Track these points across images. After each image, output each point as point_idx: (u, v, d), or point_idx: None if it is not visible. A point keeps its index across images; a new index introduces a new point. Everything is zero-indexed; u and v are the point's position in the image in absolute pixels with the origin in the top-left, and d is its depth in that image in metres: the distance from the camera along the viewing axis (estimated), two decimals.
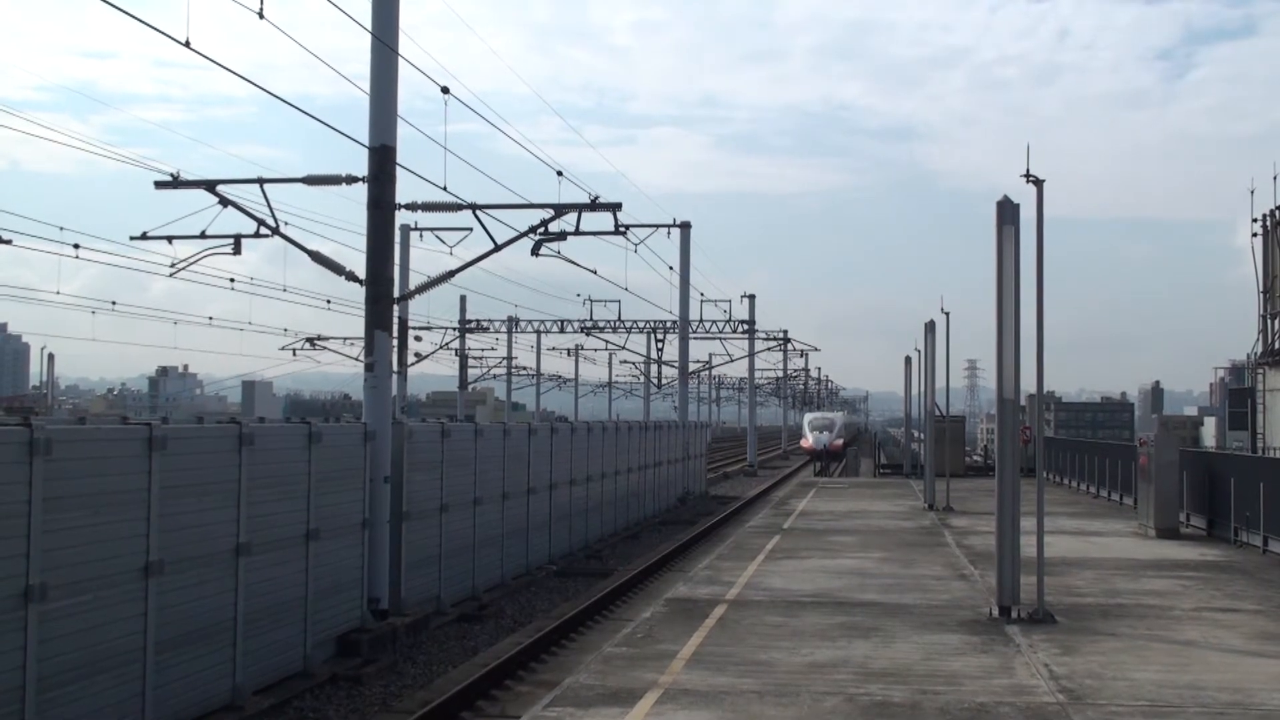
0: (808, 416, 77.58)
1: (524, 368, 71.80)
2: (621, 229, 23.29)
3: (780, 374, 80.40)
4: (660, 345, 56.09)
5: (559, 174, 21.44)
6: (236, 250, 20.77)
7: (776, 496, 34.25)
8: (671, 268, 44.38)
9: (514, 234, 20.61)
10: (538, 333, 62.55)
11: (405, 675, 14.63)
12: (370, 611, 15.76)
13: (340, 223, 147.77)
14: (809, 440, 69.42)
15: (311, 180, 19.20)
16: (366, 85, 16.99)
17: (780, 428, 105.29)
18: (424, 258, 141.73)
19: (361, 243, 17.41)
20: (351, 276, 17.78)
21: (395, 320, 19.74)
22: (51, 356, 66.20)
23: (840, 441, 69.02)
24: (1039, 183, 12.36)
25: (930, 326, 27.24)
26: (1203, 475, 21.42)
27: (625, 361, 72.65)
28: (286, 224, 19.37)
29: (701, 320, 53.71)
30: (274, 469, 13.33)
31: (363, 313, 17.47)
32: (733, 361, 63.30)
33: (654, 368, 61.38)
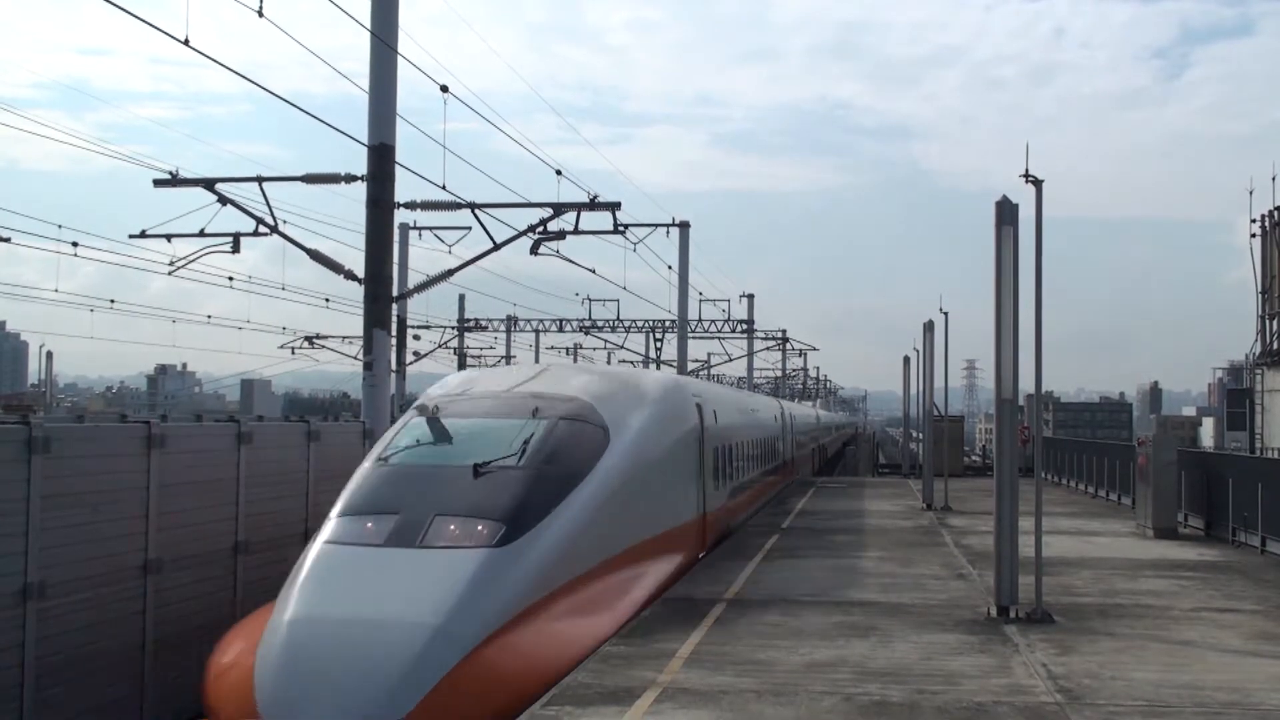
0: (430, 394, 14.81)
1: None
2: (620, 228, 23.30)
3: (779, 373, 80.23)
4: (659, 345, 56.03)
5: (558, 173, 21.43)
6: (235, 248, 20.79)
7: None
8: (670, 267, 44.31)
9: (513, 233, 20.63)
10: (536, 332, 62.44)
11: None
12: None
13: (339, 221, 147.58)
14: None
15: (311, 179, 19.23)
16: (364, 83, 17.00)
17: None
18: (423, 257, 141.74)
19: (360, 241, 17.45)
20: (350, 275, 17.80)
21: (394, 319, 19.73)
22: (50, 354, 66.04)
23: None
24: (1038, 183, 12.33)
25: (929, 326, 27.25)
26: (1201, 475, 21.42)
27: (624, 361, 72.59)
28: (285, 222, 19.43)
29: (700, 320, 53.64)
30: (273, 467, 13.35)
31: (361, 311, 17.50)
32: (731, 361, 63.20)
33: (653, 367, 61.28)
